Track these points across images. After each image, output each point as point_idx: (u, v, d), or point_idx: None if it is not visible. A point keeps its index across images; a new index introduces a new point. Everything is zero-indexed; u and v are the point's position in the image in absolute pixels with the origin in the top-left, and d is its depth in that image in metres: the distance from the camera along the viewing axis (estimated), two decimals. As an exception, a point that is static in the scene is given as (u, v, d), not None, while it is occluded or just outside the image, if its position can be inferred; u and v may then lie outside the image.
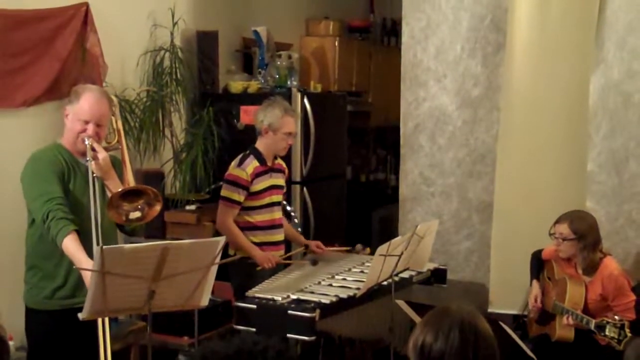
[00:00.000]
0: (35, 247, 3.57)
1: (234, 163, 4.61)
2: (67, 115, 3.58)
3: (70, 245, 3.34)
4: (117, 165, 3.59)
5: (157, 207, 3.42)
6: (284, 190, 4.81)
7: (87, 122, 3.50)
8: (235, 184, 4.52)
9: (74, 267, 3.26)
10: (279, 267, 4.66)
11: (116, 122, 3.75)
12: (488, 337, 2.25)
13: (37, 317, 3.59)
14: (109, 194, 3.47)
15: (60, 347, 3.54)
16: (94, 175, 3.42)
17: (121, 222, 3.48)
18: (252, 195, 4.55)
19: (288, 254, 4.82)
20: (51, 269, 3.54)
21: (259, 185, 4.57)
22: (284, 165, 4.82)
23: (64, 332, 3.50)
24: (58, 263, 3.51)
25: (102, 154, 3.46)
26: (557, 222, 4.34)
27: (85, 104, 3.51)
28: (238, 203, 4.53)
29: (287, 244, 4.95)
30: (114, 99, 3.86)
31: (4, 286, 4.40)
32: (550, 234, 4.38)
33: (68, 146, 3.59)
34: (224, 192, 4.56)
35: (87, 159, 3.43)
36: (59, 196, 3.42)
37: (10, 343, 4.09)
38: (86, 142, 3.47)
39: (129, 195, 3.39)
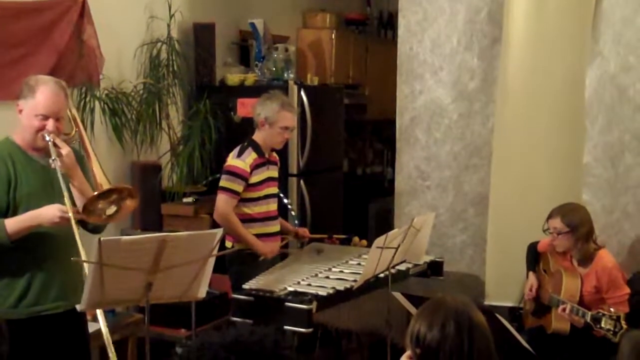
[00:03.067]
0: None
1: (232, 154, 4.61)
2: (20, 110, 3.31)
3: (11, 222, 3.20)
4: (79, 157, 3.41)
5: (130, 203, 3.30)
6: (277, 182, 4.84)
7: (46, 118, 3.26)
8: (235, 174, 4.52)
9: (72, 258, 3.21)
10: (276, 259, 4.68)
11: (70, 110, 3.52)
12: (483, 328, 2.27)
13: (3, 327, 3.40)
14: (74, 192, 3.30)
15: (29, 355, 3.33)
16: (62, 173, 3.23)
17: (101, 221, 3.35)
18: (250, 186, 4.56)
19: (284, 242, 4.84)
20: (11, 277, 3.33)
21: (258, 177, 4.58)
22: (277, 157, 4.84)
23: (33, 341, 3.34)
24: (17, 270, 3.33)
25: (65, 150, 3.26)
26: (550, 217, 4.36)
27: (42, 98, 3.26)
28: (237, 193, 4.53)
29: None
30: (64, 84, 3.48)
31: None
32: (544, 230, 4.40)
33: (21, 142, 3.35)
34: (223, 183, 4.56)
35: (53, 157, 3.21)
36: None
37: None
38: (47, 139, 3.25)
39: (103, 193, 3.27)
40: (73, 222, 3.17)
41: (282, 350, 1.62)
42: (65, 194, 3.19)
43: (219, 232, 3.29)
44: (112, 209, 3.29)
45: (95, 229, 3.51)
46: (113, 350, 3.20)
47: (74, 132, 3.51)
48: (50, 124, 3.27)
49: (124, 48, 5.45)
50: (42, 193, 3.31)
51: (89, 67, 4.99)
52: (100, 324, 3.22)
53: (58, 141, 3.27)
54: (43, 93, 3.27)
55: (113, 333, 4.45)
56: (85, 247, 3.19)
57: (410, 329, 2.28)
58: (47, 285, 3.37)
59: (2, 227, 3.18)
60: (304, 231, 5.07)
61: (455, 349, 2.20)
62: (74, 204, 3.27)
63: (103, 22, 5.11)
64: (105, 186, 3.29)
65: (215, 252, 3.31)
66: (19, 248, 3.25)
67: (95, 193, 3.24)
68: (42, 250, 3.33)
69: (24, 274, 3.33)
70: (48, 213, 3.20)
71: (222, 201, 4.54)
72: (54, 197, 3.28)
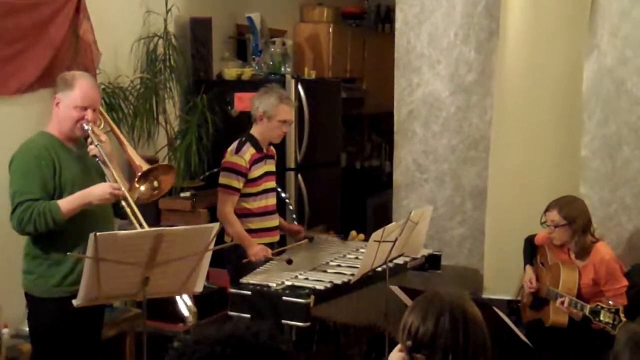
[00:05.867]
0: (38, 236, 3.52)
1: (230, 150, 4.60)
2: (58, 103, 3.58)
3: (64, 202, 3.43)
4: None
5: (170, 178, 3.62)
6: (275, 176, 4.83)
7: (85, 109, 3.53)
8: (234, 170, 4.52)
9: (67, 254, 3.27)
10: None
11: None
12: (478, 321, 2.25)
13: (44, 305, 3.57)
14: (109, 176, 3.52)
15: (68, 332, 3.55)
16: (98, 159, 3.50)
17: (151, 199, 3.64)
18: (249, 182, 4.55)
19: (280, 249, 4.72)
20: (58, 257, 3.53)
21: (256, 172, 4.58)
22: (274, 150, 4.83)
23: (72, 316, 3.48)
24: (63, 253, 3.48)
25: (103, 137, 3.55)
26: (547, 209, 4.36)
27: (81, 91, 3.54)
28: (237, 190, 4.52)
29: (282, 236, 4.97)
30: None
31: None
32: (541, 223, 4.40)
33: (58, 134, 3.60)
34: (222, 180, 4.55)
35: (96, 143, 3.50)
36: (31, 199, 3.43)
37: (5, 330, 4.13)
38: (87, 128, 3.52)
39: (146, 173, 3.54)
40: (127, 195, 3.46)
41: (278, 344, 1.62)
42: (114, 172, 3.49)
43: (215, 227, 3.30)
44: (155, 184, 3.59)
45: (125, 216, 3.71)
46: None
47: (102, 125, 3.75)
48: (89, 114, 3.55)
49: (120, 43, 5.43)
50: (82, 179, 3.54)
51: (86, 62, 4.98)
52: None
53: (96, 129, 3.55)
54: (82, 86, 3.56)
55: (110, 328, 4.51)
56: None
57: (403, 321, 2.27)
58: None
59: (57, 207, 3.42)
60: (298, 227, 5.05)
61: (449, 343, 2.19)
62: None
63: (99, 17, 5.09)
64: (144, 167, 3.57)
65: (211, 246, 3.31)
66: (66, 230, 3.48)
67: (140, 173, 3.52)
68: (86, 231, 3.40)
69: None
70: (98, 190, 3.47)
71: (222, 199, 4.54)
72: (93, 182, 3.52)
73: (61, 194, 3.50)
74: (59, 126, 3.60)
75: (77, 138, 3.61)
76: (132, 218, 3.48)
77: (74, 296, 3.40)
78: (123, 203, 3.50)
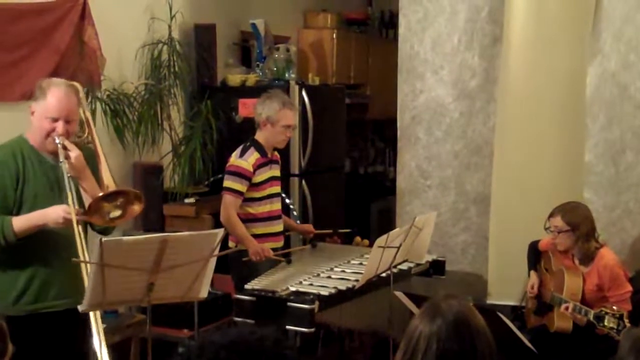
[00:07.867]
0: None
1: (235, 154, 4.61)
2: (32, 112, 3.33)
3: (18, 220, 3.23)
4: (90, 158, 3.39)
5: (136, 207, 3.30)
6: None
7: (56, 120, 3.28)
8: (238, 174, 4.52)
9: (73, 259, 3.23)
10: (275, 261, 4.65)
11: (84, 112, 3.53)
12: (482, 330, 2.24)
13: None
14: (83, 194, 3.31)
15: (28, 352, 3.22)
16: (69, 176, 3.24)
17: (105, 224, 3.34)
18: (253, 186, 4.56)
19: (282, 252, 4.70)
20: (12, 276, 3.36)
21: (261, 176, 4.58)
22: (278, 156, 4.83)
23: (31, 337, 3.31)
24: (18, 269, 3.36)
25: (74, 152, 3.27)
26: (551, 215, 4.36)
27: (52, 100, 3.28)
28: (241, 193, 4.53)
29: (286, 237, 4.96)
30: (78, 87, 3.55)
31: None
32: (545, 229, 4.40)
33: (34, 143, 3.36)
34: (227, 183, 4.56)
35: (61, 160, 3.23)
36: None
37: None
38: (57, 142, 3.26)
39: (109, 195, 3.27)
40: (75, 223, 3.18)
41: (283, 349, 1.62)
42: (69, 195, 3.19)
43: (220, 232, 3.29)
44: (116, 212, 3.28)
45: (103, 231, 3.51)
46: None
47: (86, 134, 3.50)
48: (59, 126, 3.28)
49: (125, 49, 5.46)
50: (48, 193, 3.33)
51: (90, 68, 5.00)
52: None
53: (67, 143, 3.28)
54: (54, 95, 3.29)
55: (115, 334, 4.52)
56: (89, 248, 3.24)
57: (407, 336, 2.23)
58: (48, 283, 3.38)
59: (9, 225, 3.22)
60: (309, 227, 5.09)
61: (457, 355, 2.17)
62: (81, 205, 3.28)
63: (104, 23, 5.12)
64: (111, 188, 3.29)
65: (216, 252, 3.31)
66: (22, 245, 3.28)
67: (101, 194, 3.24)
68: (45, 248, 3.34)
69: (26, 271, 3.36)
70: (53, 213, 3.23)
71: (226, 201, 4.55)
72: (60, 197, 3.29)
73: (20, 207, 3.30)
74: (33, 135, 3.36)
75: (52, 150, 3.33)
76: (79, 244, 3.19)
77: (31, 316, 3.31)
78: (80, 228, 3.22)
